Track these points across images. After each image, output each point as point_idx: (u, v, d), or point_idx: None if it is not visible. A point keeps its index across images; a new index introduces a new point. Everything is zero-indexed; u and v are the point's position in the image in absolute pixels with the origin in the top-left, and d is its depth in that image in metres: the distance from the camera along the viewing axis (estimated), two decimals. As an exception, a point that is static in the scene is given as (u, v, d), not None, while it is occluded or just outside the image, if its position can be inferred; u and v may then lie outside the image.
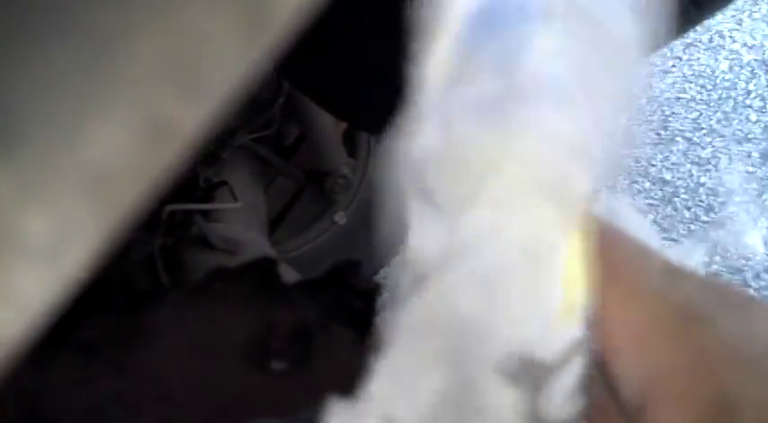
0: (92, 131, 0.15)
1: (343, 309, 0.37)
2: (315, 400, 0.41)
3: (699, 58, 1.74)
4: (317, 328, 0.36)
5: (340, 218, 1.32)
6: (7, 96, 0.14)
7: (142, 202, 0.16)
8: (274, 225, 1.30)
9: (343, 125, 1.24)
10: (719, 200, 1.52)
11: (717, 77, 1.69)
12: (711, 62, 1.73)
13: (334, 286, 0.37)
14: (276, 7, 0.15)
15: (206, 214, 1.02)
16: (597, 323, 0.22)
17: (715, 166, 1.58)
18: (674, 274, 0.23)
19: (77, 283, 0.16)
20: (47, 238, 0.15)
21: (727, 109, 1.62)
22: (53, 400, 0.35)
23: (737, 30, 1.77)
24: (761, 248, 0.80)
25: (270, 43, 0.15)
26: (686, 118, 1.63)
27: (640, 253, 0.23)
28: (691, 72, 1.72)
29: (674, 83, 1.71)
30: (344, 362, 0.38)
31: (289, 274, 0.76)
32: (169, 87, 0.15)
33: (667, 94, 1.69)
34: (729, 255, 1.28)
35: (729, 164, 1.58)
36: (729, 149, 1.60)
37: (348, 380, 0.41)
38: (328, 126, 1.21)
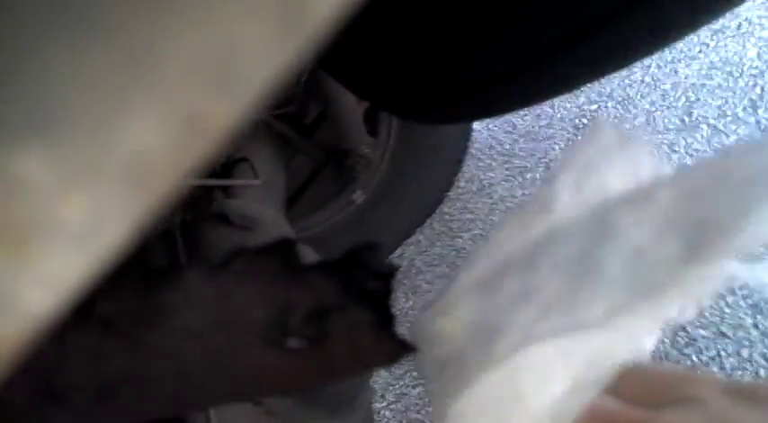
0: (129, 123, 0.15)
1: (359, 290, 0.37)
2: (329, 378, 0.42)
3: (726, 45, 1.71)
4: (334, 309, 0.37)
5: (358, 197, 1.32)
6: (50, 89, 0.14)
7: (175, 191, 0.16)
8: (292, 202, 1.31)
9: (365, 104, 1.24)
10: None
11: (744, 65, 1.66)
12: (739, 49, 1.70)
13: (351, 268, 0.38)
14: (311, 7, 0.15)
15: (225, 190, 1.03)
16: None
17: (738, 154, 1.56)
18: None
19: (110, 266, 0.17)
20: (83, 224, 0.16)
21: (754, 97, 1.59)
22: (67, 374, 0.35)
23: (767, 17, 1.74)
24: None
25: (304, 42, 0.15)
26: (711, 105, 1.61)
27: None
28: (718, 58, 1.70)
29: (700, 69, 1.69)
30: (359, 342, 0.38)
31: (307, 254, 0.77)
32: (204, 83, 0.15)
33: (693, 81, 1.67)
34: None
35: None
36: (754, 138, 1.58)
37: (362, 359, 0.42)
38: (350, 105, 1.20)
